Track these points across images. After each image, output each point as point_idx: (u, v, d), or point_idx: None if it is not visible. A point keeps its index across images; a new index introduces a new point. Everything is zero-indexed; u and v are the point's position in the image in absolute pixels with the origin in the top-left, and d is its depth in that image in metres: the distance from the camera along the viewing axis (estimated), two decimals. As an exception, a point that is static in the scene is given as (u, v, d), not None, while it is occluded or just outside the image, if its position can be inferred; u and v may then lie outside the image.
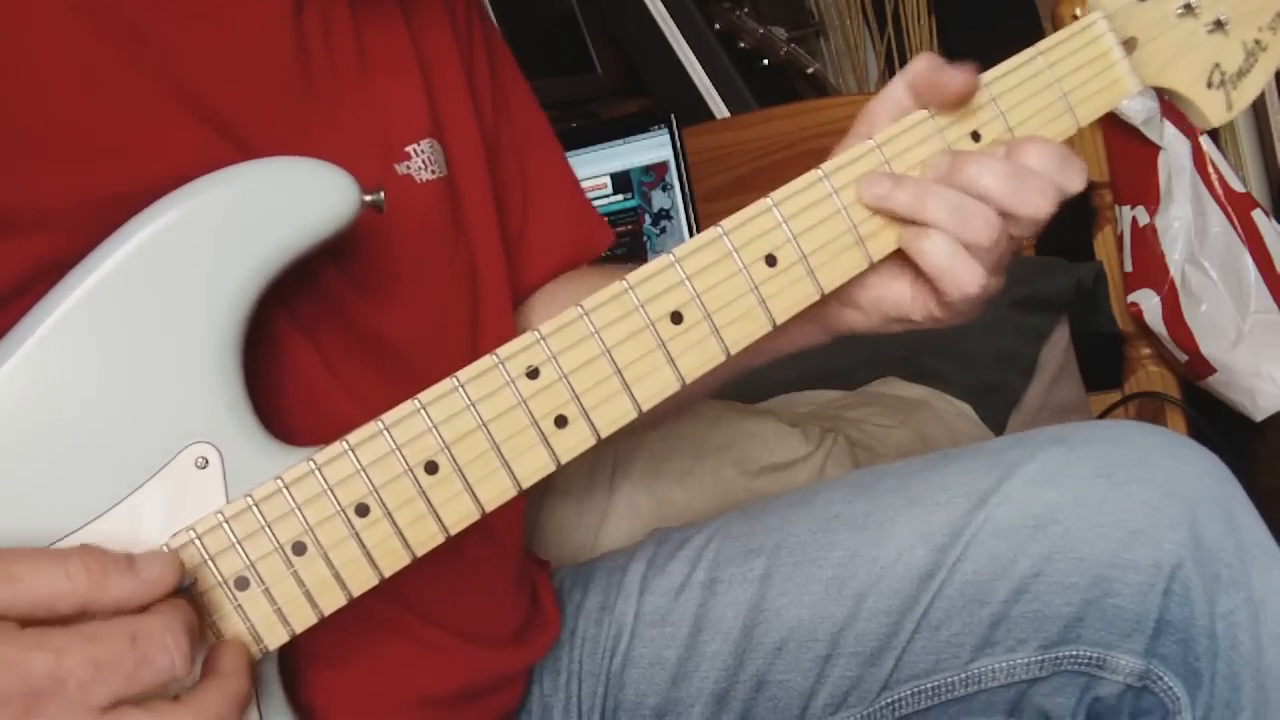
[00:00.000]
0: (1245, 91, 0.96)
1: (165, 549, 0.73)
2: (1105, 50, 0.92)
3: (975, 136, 0.89)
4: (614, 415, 0.80)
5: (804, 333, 0.97)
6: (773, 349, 0.97)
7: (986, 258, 0.85)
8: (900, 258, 0.89)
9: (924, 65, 0.88)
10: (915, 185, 0.85)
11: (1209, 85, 0.95)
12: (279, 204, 0.77)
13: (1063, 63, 0.91)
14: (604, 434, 0.80)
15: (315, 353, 0.85)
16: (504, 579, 0.99)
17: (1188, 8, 0.94)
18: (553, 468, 0.80)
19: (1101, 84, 0.91)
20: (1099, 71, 0.91)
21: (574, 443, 0.80)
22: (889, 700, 0.96)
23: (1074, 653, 0.92)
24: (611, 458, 1.42)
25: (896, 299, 0.90)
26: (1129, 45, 0.93)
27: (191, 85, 0.82)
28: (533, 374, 0.78)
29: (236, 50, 0.85)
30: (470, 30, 1.05)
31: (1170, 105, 2.01)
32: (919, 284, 0.89)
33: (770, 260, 0.84)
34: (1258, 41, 0.96)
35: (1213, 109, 0.96)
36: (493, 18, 2.11)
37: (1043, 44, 0.91)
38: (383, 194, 0.80)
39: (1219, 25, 0.94)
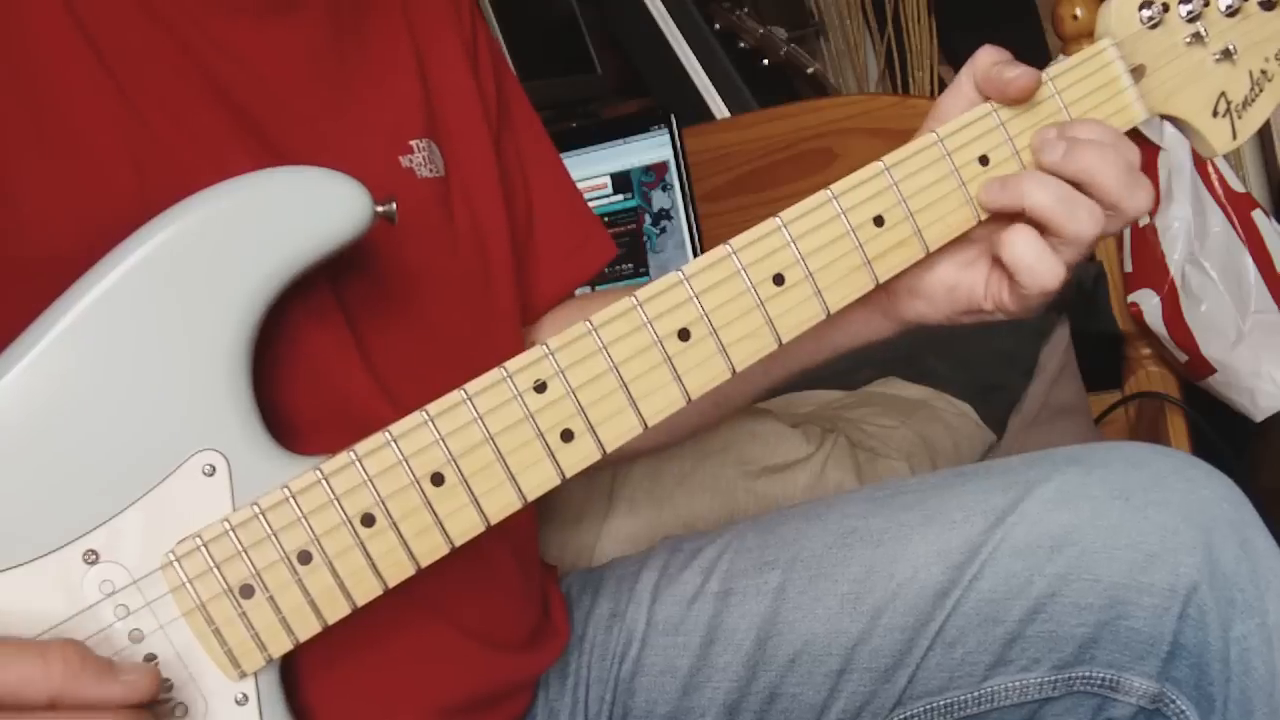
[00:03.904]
0: (1250, 121, 0.97)
1: (170, 556, 0.74)
2: (1114, 77, 0.93)
3: (984, 160, 0.89)
4: (620, 430, 0.81)
5: (870, 326, 0.98)
6: (834, 344, 0.99)
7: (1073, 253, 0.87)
8: (977, 247, 0.91)
9: (987, 59, 0.90)
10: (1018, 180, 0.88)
11: (1215, 114, 0.96)
12: (291, 214, 0.77)
13: (1071, 89, 0.91)
14: (609, 449, 0.81)
15: (331, 348, 0.86)
16: (519, 582, 1.00)
17: (1197, 37, 0.94)
18: (558, 481, 0.80)
19: (1109, 111, 0.92)
20: (1107, 99, 0.92)
21: (579, 457, 0.80)
22: (902, 716, 0.97)
23: (1087, 674, 0.93)
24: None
25: (970, 287, 0.92)
26: (1137, 73, 0.93)
27: (217, 80, 0.84)
28: (540, 388, 0.79)
29: (258, 50, 0.88)
30: (476, 41, 1.06)
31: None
32: (995, 273, 0.91)
33: (778, 279, 0.84)
34: (1264, 71, 0.96)
35: (1218, 138, 0.96)
36: (494, 21, 2.11)
37: (1052, 69, 0.91)
38: (394, 205, 0.80)
39: (1227, 54, 0.95)
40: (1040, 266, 0.86)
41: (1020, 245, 0.86)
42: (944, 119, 0.91)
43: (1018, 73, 0.88)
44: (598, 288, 2.04)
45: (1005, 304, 0.90)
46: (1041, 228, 0.87)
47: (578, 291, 1.15)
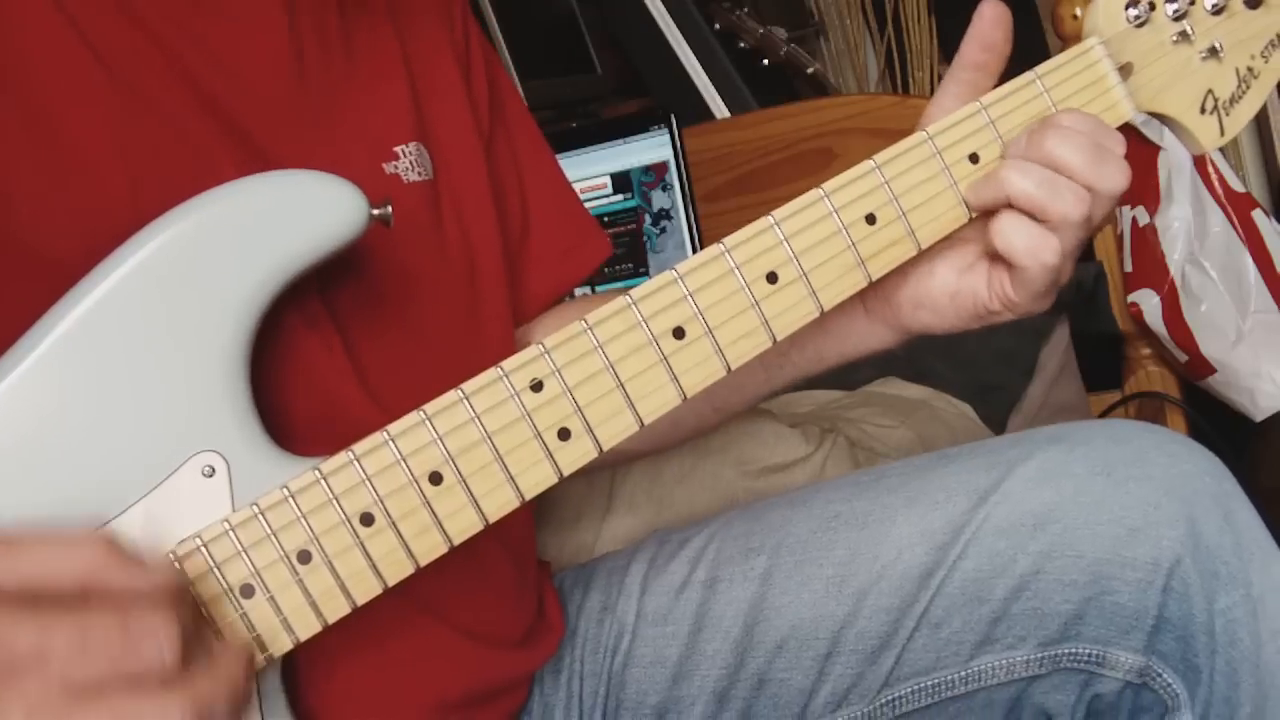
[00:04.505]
0: (1238, 117, 0.97)
1: (171, 555, 0.74)
2: (1101, 76, 0.93)
3: (974, 158, 0.90)
4: (616, 429, 0.81)
5: (874, 337, 0.99)
6: (839, 354, 1.00)
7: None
8: (974, 250, 0.92)
9: (966, 52, 0.92)
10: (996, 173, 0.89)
11: (1202, 111, 0.96)
12: (288, 217, 0.78)
13: (1059, 88, 0.92)
14: (606, 447, 0.81)
15: (325, 352, 0.86)
16: (515, 581, 1.00)
17: (1183, 35, 0.95)
18: (555, 480, 0.81)
19: (1097, 109, 0.92)
20: (1095, 97, 0.93)
21: (577, 455, 0.81)
22: (889, 698, 0.97)
23: (1073, 650, 0.93)
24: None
25: (973, 291, 0.92)
26: (1125, 71, 0.94)
27: (203, 85, 0.84)
28: (536, 387, 0.79)
29: (244, 54, 0.87)
30: (468, 41, 1.07)
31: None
32: (995, 271, 0.91)
33: (772, 278, 0.84)
34: (1250, 69, 0.96)
35: (1206, 134, 0.97)
36: (494, 21, 2.11)
37: (1040, 68, 0.92)
38: (390, 208, 0.81)
39: (1213, 52, 0.95)
40: (1035, 243, 0.87)
41: (1010, 230, 0.87)
42: (935, 113, 0.92)
43: (978, 12, 0.90)
44: (597, 288, 2.04)
45: (1011, 298, 0.90)
46: (1030, 215, 0.87)
47: (577, 292, 1.15)
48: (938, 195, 0.89)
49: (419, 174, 0.96)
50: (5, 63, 0.78)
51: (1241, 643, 0.89)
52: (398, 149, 0.95)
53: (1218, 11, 0.95)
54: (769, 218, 0.84)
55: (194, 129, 0.83)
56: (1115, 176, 0.87)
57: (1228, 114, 0.97)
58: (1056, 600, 0.92)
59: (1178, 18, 0.94)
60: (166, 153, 0.82)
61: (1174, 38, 0.95)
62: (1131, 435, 0.95)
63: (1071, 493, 0.92)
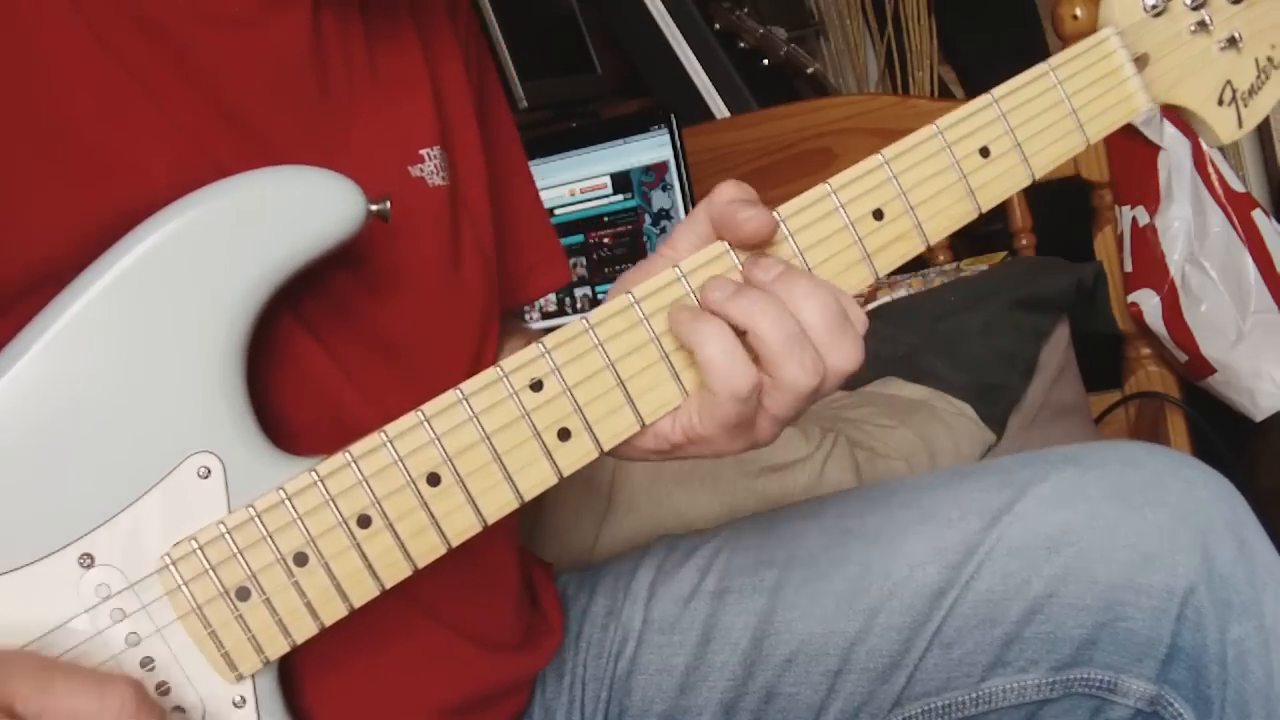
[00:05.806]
0: (1256, 109, 0.96)
1: (166, 559, 0.73)
2: (1117, 67, 0.91)
3: (984, 152, 0.87)
4: (617, 429, 0.80)
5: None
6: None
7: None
8: None
9: (723, 196, 0.82)
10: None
11: (1220, 103, 0.95)
12: (285, 213, 0.77)
13: (1073, 79, 0.90)
14: (607, 447, 0.80)
15: (323, 353, 0.85)
16: (507, 578, 1.00)
17: (1201, 25, 0.93)
18: (555, 480, 0.80)
19: (1112, 101, 0.91)
20: (1110, 88, 0.91)
21: (577, 456, 0.80)
22: (900, 717, 0.96)
23: (1085, 675, 0.92)
24: (612, 459, 1.42)
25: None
26: (1140, 62, 0.92)
27: (219, 92, 0.83)
28: (536, 386, 0.78)
29: (261, 59, 0.86)
30: (468, 47, 1.05)
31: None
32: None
33: None
34: (1270, 59, 0.95)
35: (1224, 126, 0.96)
36: (494, 21, 2.10)
37: (1054, 60, 0.90)
38: (389, 204, 0.80)
39: (1232, 43, 0.94)
40: (730, 364, 0.77)
41: (711, 337, 0.78)
42: (677, 248, 0.83)
43: (750, 214, 0.79)
44: (598, 290, 2.04)
45: (695, 427, 0.81)
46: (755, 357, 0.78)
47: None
48: (946, 189, 0.87)
49: (441, 178, 0.94)
50: (21, 68, 0.76)
51: (1253, 674, 0.89)
52: (423, 152, 0.93)
53: (1237, 0, 0.94)
54: (774, 214, 0.83)
55: (211, 135, 0.81)
56: (850, 353, 0.79)
57: (1246, 105, 0.96)
58: (1070, 624, 0.92)
59: (1196, 7, 0.93)
60: (183, 159, 0.80)
61: (1192, 27, 0.94)
62: (1146, 459, 0.95)
63: (1086, 516, 0.92)
